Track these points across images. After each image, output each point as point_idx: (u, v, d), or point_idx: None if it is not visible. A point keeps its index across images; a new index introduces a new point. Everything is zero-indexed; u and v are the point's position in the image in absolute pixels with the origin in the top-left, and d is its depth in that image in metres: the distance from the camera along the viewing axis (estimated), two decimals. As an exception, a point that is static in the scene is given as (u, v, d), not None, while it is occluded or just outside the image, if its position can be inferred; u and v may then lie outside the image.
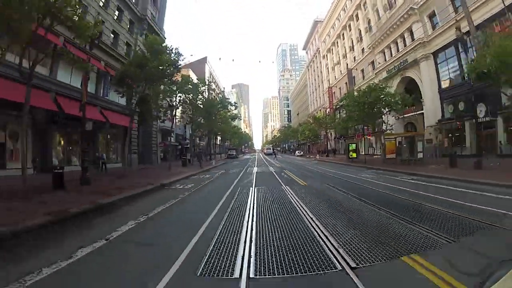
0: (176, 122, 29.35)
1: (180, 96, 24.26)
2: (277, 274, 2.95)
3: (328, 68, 52.49)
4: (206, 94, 32.60)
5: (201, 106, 29.08)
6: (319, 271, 3.00)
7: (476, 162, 13.29)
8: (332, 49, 50.09)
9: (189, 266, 3.16)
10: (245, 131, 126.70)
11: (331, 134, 47.34)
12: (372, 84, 23.34)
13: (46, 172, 11.40)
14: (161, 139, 29.22)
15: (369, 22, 35.01)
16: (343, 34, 44.39)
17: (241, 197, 8.08)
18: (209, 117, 29.48)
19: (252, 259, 3.33)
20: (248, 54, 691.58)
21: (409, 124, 28.48)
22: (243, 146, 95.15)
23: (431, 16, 23.79)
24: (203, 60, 57.64)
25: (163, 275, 2.89)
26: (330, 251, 3.55)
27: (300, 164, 25.58)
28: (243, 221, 5.24)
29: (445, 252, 3.44)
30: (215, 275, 2.95)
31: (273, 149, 70.34)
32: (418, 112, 25.68)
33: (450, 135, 21.96)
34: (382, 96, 20.27)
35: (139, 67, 13.73)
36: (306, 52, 77.44)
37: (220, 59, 79.70)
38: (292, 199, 7.52)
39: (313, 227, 4.73)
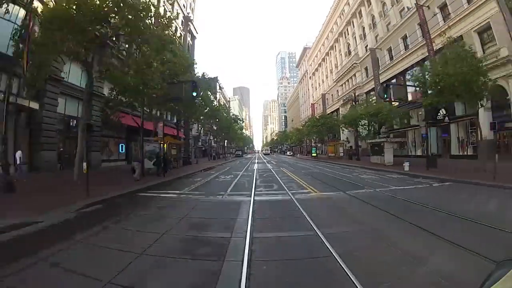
0: (201, 132, 44.08)
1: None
2: (264, 195, 17.66)
3: (313, 86, 67.44)
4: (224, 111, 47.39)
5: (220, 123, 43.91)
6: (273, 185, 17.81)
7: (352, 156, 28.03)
8: (315, 73, 65.05)
9: (234, 188, 17.78)
10: (246, 134, 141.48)
11: (312, 140, 62.35)
12: (323, 116, 38.38)
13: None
14: (193, 144, 44.09)
15: (336, 62, 49.97)
16: (321, 65, 59.39)
17: (251, 167, 22.82)
18: (226, 130, 44.31)
19: (255, 188, 18.07)
20: (248, 55, 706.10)
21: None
22: (246, 148, 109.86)
23: (366, 69, 38.66)
24: (215, 79, 72.49)
25: (228, 188, 17.62)
26: (278, 181, 18.32)
27: (282, 159, 40.47)
28: (252, 174, 20.00)
29: (322, 187, 18.23)
30: (240, 192, 17.65)
31: (270, 150, 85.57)
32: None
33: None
34: (329, 122, 35.31)
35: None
36: (299, 69, 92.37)
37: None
38: (269, 167, 22.28)
39: (274, 173, 19.53)
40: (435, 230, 4.30)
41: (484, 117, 16.92)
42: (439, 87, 13.29)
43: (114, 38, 12.39)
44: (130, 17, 10.43)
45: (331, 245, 3.76)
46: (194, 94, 13.44)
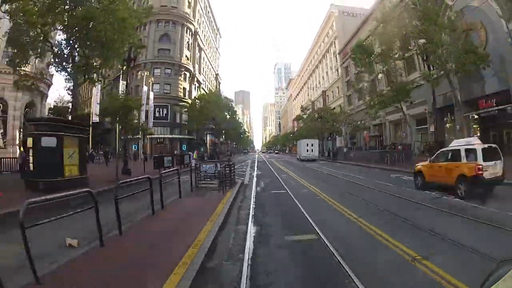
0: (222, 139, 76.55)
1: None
2: (259, 162, 50.37)
3: (295, 107, 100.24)
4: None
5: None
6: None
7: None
8: (296, 98, 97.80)
9: (252, 162, 50.52)
10: (247, 135, 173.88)
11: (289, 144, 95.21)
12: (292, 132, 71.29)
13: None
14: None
15: (309, 93, 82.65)
16: (299, 93, 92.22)
17: (254, 157, 55.57)
18: (236, 134, 76.93)
19: (257, 158, 50.78)
20: (248, 57, 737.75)
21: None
22: (248, 147, 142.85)
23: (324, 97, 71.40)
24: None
25: (251, 158, 50.36)
26: (262, 157, 51.11)
27: (272, 155, 73.32)
28: (255, 159, 52.77)
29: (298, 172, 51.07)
30: (253, 165, 50.35)
31: (267, 150, 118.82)
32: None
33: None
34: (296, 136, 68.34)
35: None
36: (287, 89, 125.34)
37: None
38: (264, 159, 55.03)
39: (262, 156, 52.36)
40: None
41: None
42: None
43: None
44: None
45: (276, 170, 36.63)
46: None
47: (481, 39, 17.42)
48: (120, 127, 15.42)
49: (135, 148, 38.68)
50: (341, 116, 39.74)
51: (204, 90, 57.94)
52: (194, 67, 52.18)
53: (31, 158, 9.64)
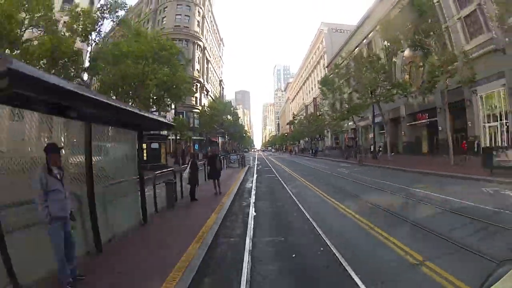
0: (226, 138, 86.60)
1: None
2: (260, 161, 60.50)
3: (291, 110, 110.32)
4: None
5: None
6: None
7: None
8: (293, 101, 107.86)
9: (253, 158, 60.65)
10: (248, 135, 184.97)
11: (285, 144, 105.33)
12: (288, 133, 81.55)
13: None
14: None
15: (303, 97, 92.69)
16: (295, 97, 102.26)
17: (254, 155, 65.71)
18: (239, 135, 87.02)
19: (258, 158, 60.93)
20: (248, 57, 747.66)
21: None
22: (249, 146, 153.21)
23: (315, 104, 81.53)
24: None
25: (254, 156, 60.54)
26: (261, 155, 61.32)
27: (267, 153, 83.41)
28: (255, 157, 62.89)
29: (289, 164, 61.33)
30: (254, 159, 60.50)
31: (265, 149, 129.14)
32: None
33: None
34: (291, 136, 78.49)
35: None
36: (285, 92, 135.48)
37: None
38: (262, 157, 65.18)
39: (261, 154, 62.55)
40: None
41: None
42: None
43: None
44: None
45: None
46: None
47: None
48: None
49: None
50: (325, 122, 49.85)
51: (211, 97, 68.03)
52: (203, 78, 62.26)
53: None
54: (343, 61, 31.57)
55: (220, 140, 66.26)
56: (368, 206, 7.51)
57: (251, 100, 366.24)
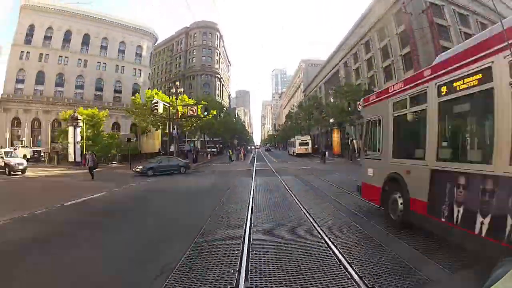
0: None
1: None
2: (257, 155, 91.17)
3: (285, 114, 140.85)
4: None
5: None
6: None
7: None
8: (285, 108, 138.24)
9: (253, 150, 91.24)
10: (249, 136, 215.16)
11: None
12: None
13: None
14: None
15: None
16: (288, 103, 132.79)
17: (254, 151, 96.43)
18: (244, 137, 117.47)
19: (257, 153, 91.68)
20: (247, 56, 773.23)
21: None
22: (250, 144, 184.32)
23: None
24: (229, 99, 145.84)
25: (254, 153, 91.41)
26: (261, 153, 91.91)
27: (267, 150, 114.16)
28: (254, 152, 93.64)
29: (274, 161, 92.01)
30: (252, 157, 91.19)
31: (262, 146, 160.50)
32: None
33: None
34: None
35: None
36: (280, 98, 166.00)
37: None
38: (260, 152, 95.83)
39: (261, 153, 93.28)
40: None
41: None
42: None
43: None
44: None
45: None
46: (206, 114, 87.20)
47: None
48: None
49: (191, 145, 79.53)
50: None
51: (226, 110, 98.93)
52: (219, 98, 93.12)
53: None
54: (294, 109, 62.48)
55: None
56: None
57: (250, 99, 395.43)
